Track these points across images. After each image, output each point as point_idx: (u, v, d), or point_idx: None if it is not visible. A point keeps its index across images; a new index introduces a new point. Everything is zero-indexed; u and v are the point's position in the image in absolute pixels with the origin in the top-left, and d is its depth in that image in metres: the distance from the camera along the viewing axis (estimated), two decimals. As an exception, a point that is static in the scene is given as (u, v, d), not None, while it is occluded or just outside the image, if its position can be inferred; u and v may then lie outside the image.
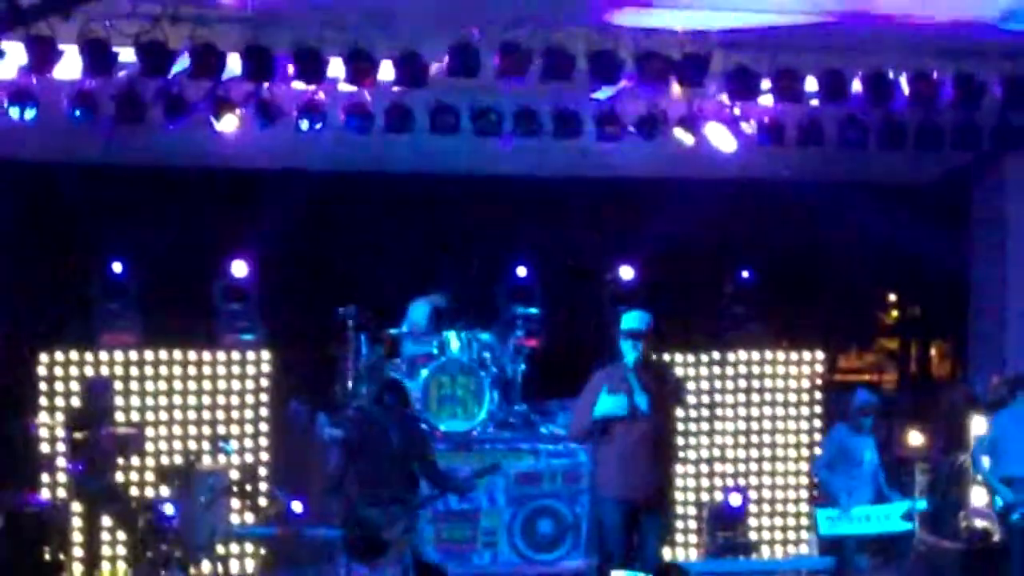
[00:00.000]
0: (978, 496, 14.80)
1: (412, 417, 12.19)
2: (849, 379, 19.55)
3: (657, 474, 11.13)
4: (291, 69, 12.71)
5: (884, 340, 21.71)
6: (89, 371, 14.16)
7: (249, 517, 14.33)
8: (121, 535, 14.02)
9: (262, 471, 14.51)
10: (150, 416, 14.29)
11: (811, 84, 13.63)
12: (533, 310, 15.77)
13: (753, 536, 15.34)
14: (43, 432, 14.05)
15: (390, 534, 11.32)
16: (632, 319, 11.35)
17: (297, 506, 13.55)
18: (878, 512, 13.32)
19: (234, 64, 12.59)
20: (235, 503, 14.23)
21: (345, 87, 13.14)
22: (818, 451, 14.92)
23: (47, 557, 13.58)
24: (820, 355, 15.91)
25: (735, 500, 14.99)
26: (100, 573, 13.99)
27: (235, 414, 14.54)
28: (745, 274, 16.09)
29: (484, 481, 13.01)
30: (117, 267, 14.88)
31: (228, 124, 13.22)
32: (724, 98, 14.07)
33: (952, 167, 16.43)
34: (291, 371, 15.34)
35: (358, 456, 11.51)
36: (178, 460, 14.28)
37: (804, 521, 15.38)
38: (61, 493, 14.03)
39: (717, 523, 15.09)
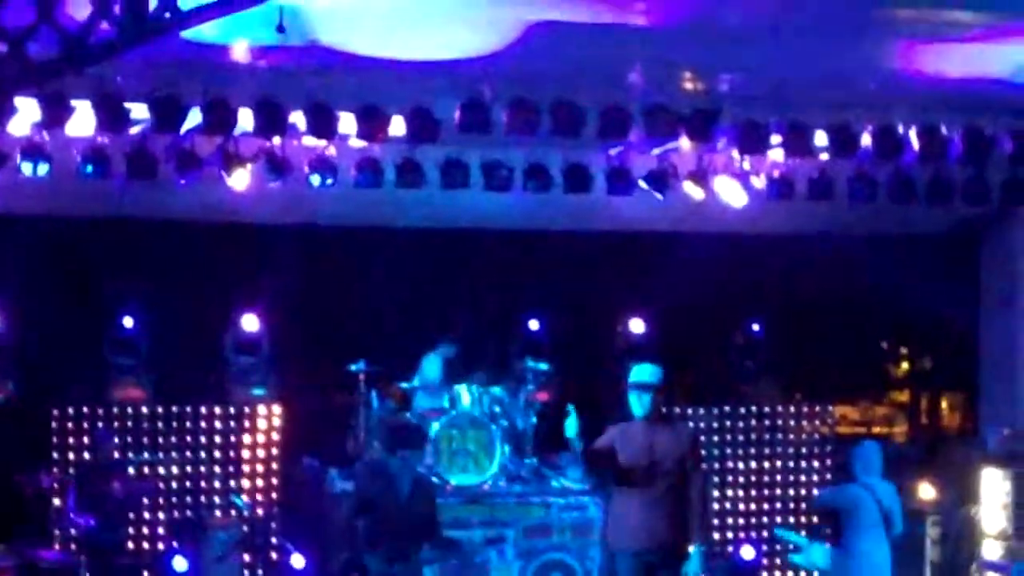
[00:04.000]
0: (990, 549, 14.74)
1: (423, 475, 12.13)
2: (859, 432, 19.49)
3: (674, 528, 11.00)
4: (303, 124, 12.78)
5: (894, 392, 21.65)
6: (100, 426, 14.19)
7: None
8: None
9: (273, 525, 14.50)
10: (161, 470, 14.30)
11: (820, 138, 13.67)
12: (544, 365, 15.76)
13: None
14: (55, 486, 14.08)
15: None
16: (641, 372, 11.15)
17: (298, 560, 13.52)
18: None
19: (246, 120, 12.65)
20: (246, 557, 14.23)
21: (356, 142, 13.18)
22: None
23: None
24: (830, 408, 15.91)
25: (748, 553, 14.92)
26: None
27: (246, 468, 14.55)
28: (755, 327, 16.09)
29: (492, 534, 12.98)
30: (128, 322, 14.91)
31: (239, 179, 13.24)
32: (734, 152, 14.11)
33: (962, 220, 16.43)
34: (302, 425, 15.33)
35: (367, 508, 11.47)
36: (189, 514, 14.30)
37: (816, 575, 15.32)
38: (73, 547, 14.02)
39: (728, 576, 15.08)
